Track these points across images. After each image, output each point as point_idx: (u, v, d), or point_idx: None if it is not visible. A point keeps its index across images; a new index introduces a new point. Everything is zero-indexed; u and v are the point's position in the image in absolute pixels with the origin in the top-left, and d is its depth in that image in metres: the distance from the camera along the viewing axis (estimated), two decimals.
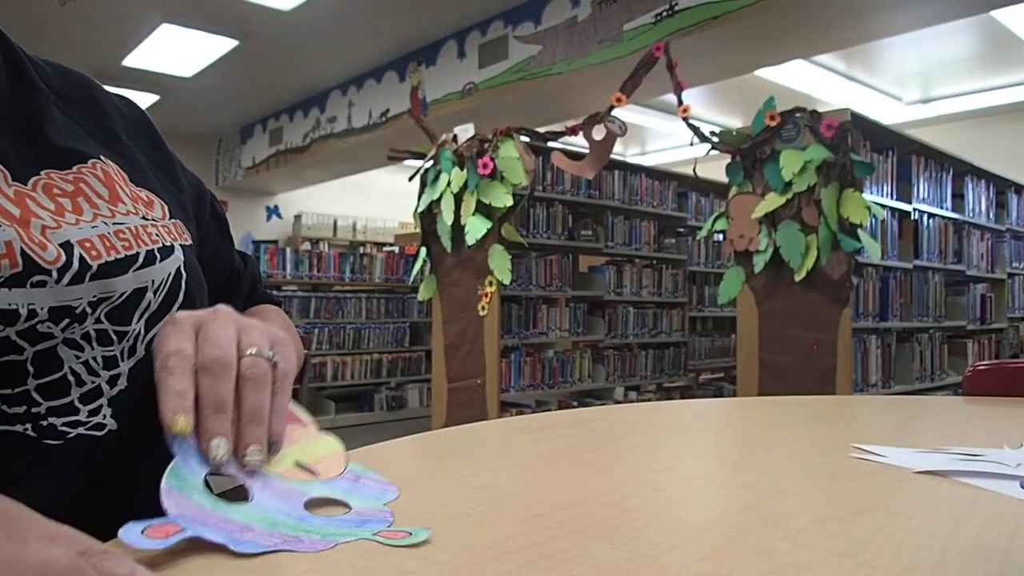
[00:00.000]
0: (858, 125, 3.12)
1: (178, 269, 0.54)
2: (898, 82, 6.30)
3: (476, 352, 3.87)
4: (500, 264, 3.67)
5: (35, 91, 0.53)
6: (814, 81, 5.90)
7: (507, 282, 3.68)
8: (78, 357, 0.47)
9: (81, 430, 0.47)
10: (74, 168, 0.52)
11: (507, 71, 4.52)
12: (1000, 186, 4.66)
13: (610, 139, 3.44)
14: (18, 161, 0.49)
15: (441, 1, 4.48)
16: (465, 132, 3.85)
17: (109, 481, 0.49)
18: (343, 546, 0.38)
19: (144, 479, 0.51)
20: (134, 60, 5.38)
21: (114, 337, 0.49)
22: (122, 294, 0.49)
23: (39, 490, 0.45)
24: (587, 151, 3.53)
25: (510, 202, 3.60)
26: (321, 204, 8.74)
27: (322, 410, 6.09)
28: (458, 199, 3.85)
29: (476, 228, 3.72)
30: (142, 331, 0.51)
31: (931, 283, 3.80)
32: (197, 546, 0.37)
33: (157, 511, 0.43)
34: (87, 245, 0.48)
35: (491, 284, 3.77)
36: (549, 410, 4.11)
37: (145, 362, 0.51)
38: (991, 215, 4.50)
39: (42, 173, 0.50)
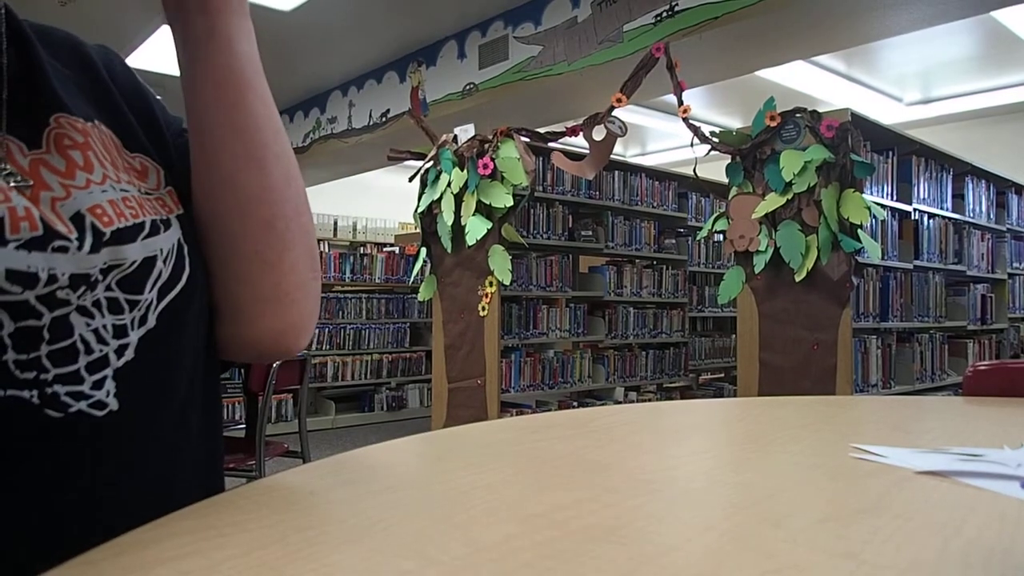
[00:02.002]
0: (858, 125, 3.12)
1: (179, 240, 0.54)
2: (898, 82, 6.30)
3: (476, 352, 3.87)
4: (500, 264, 3.67)
5: (34, 50, 0.53)
6: (814, 81, 5.90)
7: (507, 282, 3.68)
8: (89, 325, 0.47)
9: (82, 405, 0.46)
10: (81, 117, 0.52)
11: (507, 71, 4.52)
12: (1000, 186, 4.66)
13: (610, 139, 3.45)
14: (30, 119, 0.49)
15: (441, 1, 4.48)
16: (465, 132, 3.85)
17: (105, 471, 0.48)
18: (342, 546, 0.38)
19: (142, 472, 0.51)
20: (134, 60, 5.38)
21: (125, 305, 0.49)
22: (133, 262, 0.49)
23: (37, 470, 0.45)
24: (587, 152, 3.53)
25: (510, 202, 3.60)
26: (321, 204, 8.74)
27: (322, 410, 6.09)
28: (458, 199, 3.85)
29: (476, 228, 3.72)
30: (154, 300, 0.50)
31: (931, 283, 3.79)
32: (198, 547, 0.37)
33: (153, 507, 0.43)
34: (98, 211, 0.48)
35: (491, 284, 3.77)
36: (549, 410, 4.11)
37: (155, 333, 0.50)
38: (991, 215, 4.50)
39: (52, 120, 0.50)
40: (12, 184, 0.45)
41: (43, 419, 0.44)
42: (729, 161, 3.41)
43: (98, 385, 0.47)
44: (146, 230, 0.51)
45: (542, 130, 3.75)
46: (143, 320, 0.50)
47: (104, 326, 0.47)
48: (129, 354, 0.49)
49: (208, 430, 0.59)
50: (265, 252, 0.56)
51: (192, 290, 0.54)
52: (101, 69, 0.59)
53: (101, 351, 0.47)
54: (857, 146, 3.06)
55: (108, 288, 0.48)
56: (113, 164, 0.52)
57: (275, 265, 0.57)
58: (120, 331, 0.48)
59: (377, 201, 9.02)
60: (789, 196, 3.16)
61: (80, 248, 0.46)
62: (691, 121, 3.27)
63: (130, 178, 0.53)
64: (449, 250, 3.96)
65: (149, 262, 0.50)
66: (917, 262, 3.65)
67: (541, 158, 4.03)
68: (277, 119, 0.59)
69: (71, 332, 0.46)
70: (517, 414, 3.91)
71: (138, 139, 0.57)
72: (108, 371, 0.47)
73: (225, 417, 4.48)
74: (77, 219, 0.47)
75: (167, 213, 0.54)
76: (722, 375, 5.84)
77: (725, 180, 3.46)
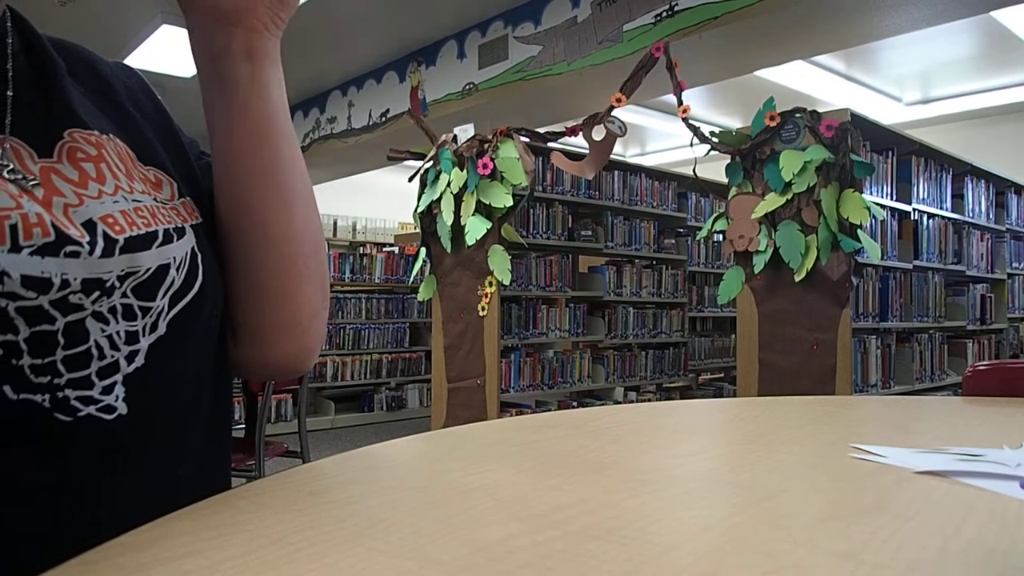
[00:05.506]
0: (858, 125, 3.12)
1: (192, 249, 0.54)
2: (898, 82, 6.30)
3: (476, 352, 3.87)
4: (500, 264, 3.67)
5: (52, 63, 0.53)
6: (814, 81, 5.90)
7: (507, 282, 3.68)
8: (103, 330, 0.47)
9: (92, 409, 0.46)
10: (95, 131, 0.52)
11: (507, 71, 4.51)
12: (1000, 186, 4.66)
13: (610, 139, 3.44)
14: (42, 130, 0.49)
15: (441, 1, 4.48)
16: (465, 132, 3.85)
17: (112, 474, 0.48)
18: (342, 546, 0.38)
19: (148, 476, 0.51)
20: (134, 60, 5.38)
21: (138, 312, 0.49)
22: (147, 270, 0.49)
23: (43, 473, 0.45)
24: (587, 151, 3.53)
25: (510, 202, 3.60)
26: (321, 204, 8.56)
27: (322, 410, 6.09)
28: (458, 199, 3.85)
29: (476, 228, 3.72)
30: (165, 308, 0.51)
31: (931, 283, 3.80)
32: (198, 547, 0.37)
33: (158, 511, 0.43)
34: (110, 220, 0.48)
35: (491, 284, 3.77)
36: (549, 410, 4.11)
37: (165, 340, 0.51)
38: (991, 215, 4.50)
39: (66, 135, 0.50)
40: (22, 185, 0.45)
41: (51, 423, 0.45)
42: (729, 161, 3.41)
43: (108, 390, 0.47)
44: (159, 239, 0.51)
45: (542, 130, 3.75)
46: (154, 327, 0.50)
47: (117, 332, 0.48)
48: (139, 360, 0.49)
49: (216, 435, 0.60)
50: (284, 287, 0.59)
51: (203, 298, 0.54)
52: (117, 86, 0.60)
53: (112, 356, 0.48)
54: (857, 146, 3.06)
55: (124, 295, 0.48)
56: (128, 175, 0.53)
57: (292, 298, 0.60)
58: (132, 337, 0.49)
59: (377, 201, 9.02)
60: (789, 196, 3.16)
61: (92, 253, 0.46)
62: (691, 121, 3.27)
63: (144, 188, 0.54)
64: (449, 250, 3.96)
65: (163, 270, 0.51)
66: (916, 262, 3.65)
67: (541, 158, 4.03)
68: (302, 160, 0.61)
69: (86, 337, 0.46)
70: (517, 414, 3.91)
71: (153, 152, 0.58)
72: (118, 376, 0.48)
73: None
74: (88, 225, 0.47)
75: (182, 222, 0.55)
76: (722, 375, 5.84)
77: (725, 180, 3.46)
